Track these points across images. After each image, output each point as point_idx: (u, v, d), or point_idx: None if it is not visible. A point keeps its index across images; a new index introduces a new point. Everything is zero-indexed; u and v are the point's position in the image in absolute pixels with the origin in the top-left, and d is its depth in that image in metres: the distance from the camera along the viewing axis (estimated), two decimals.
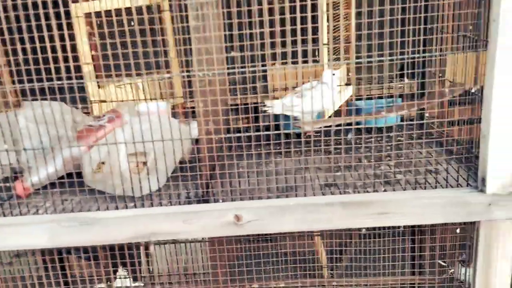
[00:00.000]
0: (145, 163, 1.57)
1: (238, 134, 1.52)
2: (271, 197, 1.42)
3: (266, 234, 2.16)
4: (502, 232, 1.35)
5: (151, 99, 2.23)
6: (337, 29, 2.85)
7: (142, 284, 2.52)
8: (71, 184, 1.48)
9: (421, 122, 1.74)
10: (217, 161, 1.72)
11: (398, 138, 1.87)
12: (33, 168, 1.56)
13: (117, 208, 1.44)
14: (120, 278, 2.51)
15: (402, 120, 2.14)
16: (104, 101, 2.32)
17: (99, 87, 2.52)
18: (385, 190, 1.42)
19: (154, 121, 1.48)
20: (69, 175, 1.56)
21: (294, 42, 1.43)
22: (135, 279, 2.53)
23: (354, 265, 2.17)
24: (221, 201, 1.43)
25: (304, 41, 1.51)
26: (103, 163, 1.52)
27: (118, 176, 1.46)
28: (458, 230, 1.68)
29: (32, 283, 1.85)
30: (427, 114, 2.02)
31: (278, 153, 1.77)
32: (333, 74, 1.82)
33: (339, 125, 1.50)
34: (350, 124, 1.47)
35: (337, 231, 2.45)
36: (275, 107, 1.77)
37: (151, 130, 1.45)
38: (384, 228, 1.98)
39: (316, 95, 1.69)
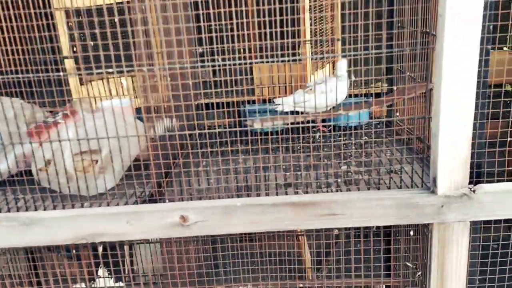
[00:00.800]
0: (96, 162, 1.53)
1: (199, 131, 1.48)
2: (222, 198, 1.38)
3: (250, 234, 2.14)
4: (455, 234, 1.30)
5: (115, 95, 2.19)
6: (321, 21, 2.79)
7: (123, 285, 2.49)
8: (23, 182, 1.44)
9: (377, 120, 1.70)
10: (174, 159, 1.68)
11: (364, 138, 1.82)
12: None
13: (63, 207, 1.40)
14: (101, 278, 2.47)
15: (370, 119, 2.10)
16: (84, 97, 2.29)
17: (81, 84, 2.48)
18: (338, 191, 1.38)
19: (108, 118, 1.44)
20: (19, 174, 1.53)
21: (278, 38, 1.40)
22: (118, 280, 2.51)
23: (333, 267, 2.14)
24: (167, 201, 1.38)
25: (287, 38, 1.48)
26: (50, 161, 1.47)
27: (63, 174, 1.42)
28: (411, 233, 1.63)
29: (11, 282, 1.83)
30: (397, 114, 1.97)
31: (243, 151, 1.74)
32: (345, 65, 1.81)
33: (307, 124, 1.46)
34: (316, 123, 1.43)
35: (318, 232, 2.42)
36: (285, 104, 1.75)
37: (95, 128, 1.40)
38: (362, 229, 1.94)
39: (330, 89, 1.67)
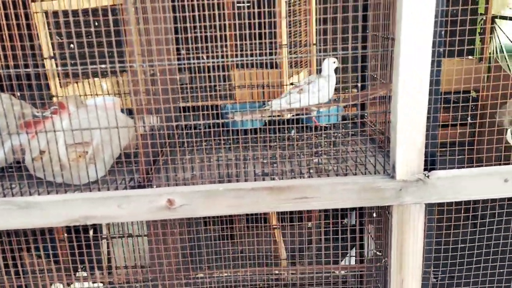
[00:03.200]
0: (86, 153, 1.64)
1: (186, 123, 1.61)
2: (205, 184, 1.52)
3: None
4: (412, 215, 1.47)
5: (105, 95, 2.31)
6: (296, 34, 2.97)
7: (102, 285, 2.56)
8: (18, 171, 1.54)
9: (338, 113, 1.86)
10: (161, 151, 1.81)
11: (334, 133, 2.00)
12: None
13: (57, 193, 1.51)
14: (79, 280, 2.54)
15: (343, 118, 2.27)
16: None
17: (61, 86, 2.58)
18: (310, 177, 1.54)
19: (98, 112, 1.56)
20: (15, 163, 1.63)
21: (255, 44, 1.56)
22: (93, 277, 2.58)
23: (305, 254, 2.29)
24: (155, 186, 1.51)
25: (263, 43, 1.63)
26: (43, 151, 1.58)
27: (57, 164, 1.53)
28: (374, 214, 1.80)
29: None
30: (365, 112, 2.15)
31: (225, 146, 1.89)
32: (334, 63, 1.92)
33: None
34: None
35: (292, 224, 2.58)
36: (273, 105, 1.86)
37: (90, 121, 1.52)
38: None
39: (313, 90, 1.80)
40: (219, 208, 1.47)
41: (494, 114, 2.42)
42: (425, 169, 1.44)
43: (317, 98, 1.82)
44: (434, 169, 1.46)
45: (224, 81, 2.73)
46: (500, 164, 1.50)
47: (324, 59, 1.93)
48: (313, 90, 1.86)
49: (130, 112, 1.72)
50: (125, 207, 1.46)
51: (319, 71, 2.03)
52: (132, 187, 1.53)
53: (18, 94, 1.59)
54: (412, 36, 1.29)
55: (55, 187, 1.53)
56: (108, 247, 2.87)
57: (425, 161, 1.43)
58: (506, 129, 3.04)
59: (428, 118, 1.39)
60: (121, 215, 1.46)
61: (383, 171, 1.52)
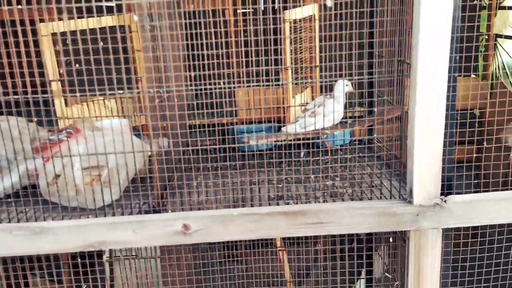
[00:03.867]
0: (99, 176, 1.64)
1: (196, 148, 1.62)
2: (219, 208, 1.51)
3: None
4: (430, 240, 1.46)
5: (113, 116, 2.31)
6: (300, 51, 3.00)
7: None
8: (30, 195, 1.54)
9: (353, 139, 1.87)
10: (174, 174, 1.81)
11: (347, 156, 1.99)
12: None
13: (71, 218, 1.51)
14: None
15: (353, 139, 2.27)
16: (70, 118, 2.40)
17: (66, 105, 2.59)
18: (325, 202, 1.53)
19: (112, 136, 1.57)
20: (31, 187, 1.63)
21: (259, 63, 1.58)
22: None
23: (312, 279, 2.26)
24: (170, 211, 1.51)
25: (268, 63, 1.65)
26: (58, 175, 1.58)
27: (72, 188, 1.52)
28: (391, 239, 1.78)
29: None
30: (375, 134, 2.15)
31: (237, 168, 1.88)
32: (346, 85, 1.92)
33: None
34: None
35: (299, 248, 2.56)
36: (289, 129, 1.86)
37: (105, 144, 1.53)
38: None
39: (329, 111, 1.79)
40: (234, 233, 1.46)
41: (499, 132, 2.42)
42: (441, 194, 1.43)
43: (331, 120, 1.82)
44: (450, 193, 1.45)
45: (230, 101, 2.75)
46: (507, 183, 1.50)
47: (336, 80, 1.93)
48: (326, 112, 1.86)
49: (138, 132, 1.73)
50: (140, 232, 1.45)
51: (325, 90, 2.04)
52: (147, 212, 1.53)
53: (35, 119, 1.59)
54: (429, 63, 1.30)
55: (69, 212, 1.53)
56: (112, 272, 2.85)
57: (442, 185, 1.43)
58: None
59: (444, 142, 1.39)
60: (136, 240, 1.45)
61: (399, 196, 1.51)
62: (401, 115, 1.63)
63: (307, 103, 2.25)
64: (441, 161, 1.38)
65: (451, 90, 1.37)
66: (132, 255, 2.61)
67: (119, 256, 2.59)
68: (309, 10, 2.85)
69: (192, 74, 1.81)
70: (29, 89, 1.45)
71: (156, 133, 1.51)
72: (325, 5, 1.48)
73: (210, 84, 1.59)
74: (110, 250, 2.68)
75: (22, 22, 1.43)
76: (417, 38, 1.28)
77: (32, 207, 1.53)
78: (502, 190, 1.53)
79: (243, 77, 1.69)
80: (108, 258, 2.76)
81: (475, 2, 3.69)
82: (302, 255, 2.38)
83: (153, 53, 1.47)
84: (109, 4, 1.34)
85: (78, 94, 1.48)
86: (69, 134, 1.80)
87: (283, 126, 1.88)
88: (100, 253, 2.96)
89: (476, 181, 1.63)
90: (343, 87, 1.92)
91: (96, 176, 1.64)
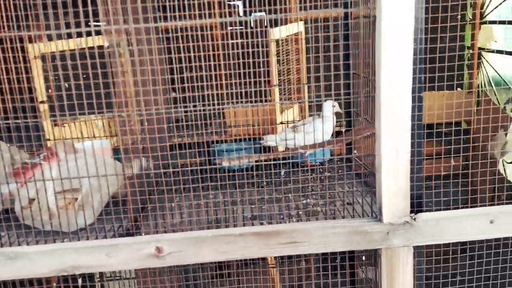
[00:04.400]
0: (75, 199, 1.65)
1: (171, 170, 1.63)
2: (194, 230, 1.52)
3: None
4: (401, 258, 1.47)
5: (95, 137, 2.32)
6: (289, 72, 3.05)
7: None
8: (7, 219, 1.54)
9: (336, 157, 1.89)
10: (149, 196, 1.81)
11: (326, 173, 2.01)
12: None
13: (46, 242, 1.51)
14: None
15: (331, 155, 2.29)
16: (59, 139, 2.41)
17: (55, 125, 2.60)
18: (299, 221, 1.54)
19: (88, 159, 1.58)
20: (6, 211, 1.63)
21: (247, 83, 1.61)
22: None
23: None
24: (143, 234, 1.51)
25: (256, 82, 1.69)
26: (33, 200, 1.58)
27: (46, 212, 1.53)
28: (364, 258, 1.80)
29: None
30: (355, 151, 2.17)
31: (213, 187, 1.90)
32: (333, 106, 1.96)
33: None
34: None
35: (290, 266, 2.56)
36: (269, 140, 1.91)
37: (80, 168, 1.54)
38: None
39: (308, 130, 1.84)
40: (208, 255, 1.46)
41: (485, 146, 2.45)
42: (411, 211, 1.45)
43: (311, 139, 1.85)
44: (420, 211, 1.47)
45: (217, 118, 2.78)
46: (493, 196, 1.52)
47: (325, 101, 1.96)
48: (308, 130, 1.88)
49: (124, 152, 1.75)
50: (114, 256, 1.45)
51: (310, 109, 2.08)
52: (121, 235, 1.53)
53: (9, 145, 1.60)
54: (390, 81, 1.33)
55: (43, 236, 1.53)
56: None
57: (411, 203, 1.45)
58: (498, 161, 3.07)
59: (412, 161, 1.41)
60: (110, 264, 1.45)
61: (371, 213, 1.52)
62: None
63: (298, 120, 2.28)
64: (409, 178, 1.40)
65: (417, 110, 1.40)
66: (116, 277, 2.60)
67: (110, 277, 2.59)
68: (295, 27, 2.90)
69: (173, 96, 1.84)
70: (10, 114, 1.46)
71: (128, 156, 1.52)
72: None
73: (195, 106, 1.62)
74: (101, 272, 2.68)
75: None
76: (379, 56, 1.31)
77: (6, 232, 1.53)
78: (490, 204, 1.55)
79: (230, 98, 1.72)
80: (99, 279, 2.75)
81: (458, 16, 3.77)
82: (294, 273, 2.39)
83: (132, 77, 1.49)
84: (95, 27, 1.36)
85: (62, 113, 1.48)
86: (45, 158, 1.80)
87: (264, 136, 1.91)
88: (91, 275, 2.94)
89: (465, 197, 1.66)
90: (331, 107, 1.95)
91: (71, 199, 1.64)
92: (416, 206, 1.46)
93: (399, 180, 1.39)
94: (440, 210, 1.49)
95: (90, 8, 1.29)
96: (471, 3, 3.85)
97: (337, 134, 2.62)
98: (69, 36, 1.45)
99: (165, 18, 1.51)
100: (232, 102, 1.77)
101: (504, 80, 3.55)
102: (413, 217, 1.43)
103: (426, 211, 1.46)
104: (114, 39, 1.36)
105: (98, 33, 1.45)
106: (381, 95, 1.32)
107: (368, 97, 1.76)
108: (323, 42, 1.51)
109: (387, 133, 1.35)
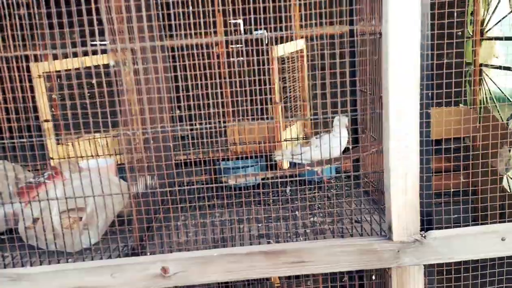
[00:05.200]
0: (80, 218, 1.63)
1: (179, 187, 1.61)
2: (200, 249, 1.50)
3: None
4: (412, 276, 1.44)
5: (99, 155, 2.31)
6: (292, 89, 3.05)
7: None
8: (11, 240, 1.52)
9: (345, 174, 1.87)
10: (155, 214, 1.79)
11: (332, 190, 1.99)
12: None
13: (49, 263, 1.48)
14: None
15: (338, 173, 2.28)
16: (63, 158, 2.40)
17: (58, 143, 2.59)
18: (306, 240, 1.52)
19: (93, 177, 1.56)
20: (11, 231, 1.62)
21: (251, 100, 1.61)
22: None
23: None
24: (149, 254, 1.49)
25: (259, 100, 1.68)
26: (37, 219, 1.56)
27: (50, 232, 1.51)
28: (373, 277, 1.76)
29: None
30: (361, 169, 2.15)
31: (220, 205, 1.88)
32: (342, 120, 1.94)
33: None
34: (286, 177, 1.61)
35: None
36: (284, 155, 1.90)
37: (85, 187, 1.52)
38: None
39: (324, 144, 1.82)
40: (215, 275, 1.44)
41: (490, 161, 2.43)
42: (421, 229, 1.43)
43: (318, 154, 1.83)
44: (430, 228, 1.45)
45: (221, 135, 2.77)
46: (499, 211, 1.49)
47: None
48: (318, 144, 1.87)
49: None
50: (118, 276, 1.43)
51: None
52: (126, 254, 1.51)
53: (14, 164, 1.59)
54: (398, 98, 1.32)
55: (47, 256, 1.50)
56: None
57: (421, 220, 1.42)
58: (502, 176, 3.04)
59: (420, 177, 1.40)
60: (114, 284, 1.43)
61: (380, 231, 1.50)
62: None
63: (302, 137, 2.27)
64: (419, 195, 1.39)
65: (425, 126, 1.39)
66: None
67: None
68: (298, 44, 2.91)
69: (178, 113, 1.83)
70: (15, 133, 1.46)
71: (134, 175, 1.50)
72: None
73: (201, 124, 1.61)
74: None
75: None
76: (386, 74, 1.31)
77: (10, 253, 1.51)
78: (498, 219, 1.53)
79: (235, 115, 1.72)
80: None
81: (459, 32, 3.78)
82: None
83: (137, 95, 1.48)
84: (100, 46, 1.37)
85: (67, 131, 1.48)
86: (49, 176, 1.79)
87: (275, 152, 1.90)
88: None
89: (472, 214, 1.64)
90: (339, 122, 1.93)
91: (75, 218, 1.62)
92: (426, 224, 1.44)
93: (408, 198, 1.37)
94: (449, 227, 1.47)
95: (96, 28, 1.30)
96: (471, 20, 3.87)
97: (344, 150, 2.60)
98: (75, 54, 1.45)
99: (171, 36, 1.51)
100: (238, 120, 1.77)
101: (506, 96, 3.55)
102: (423, 235, 1.41)
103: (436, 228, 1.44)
104: (120, 58, 1.36)
105: (103, 52, 1.45)
106: (389, 112, 1.31)
107: (374, 114, 1.75)
108: (329, 59, 1.50)
109: (396, 152, 1.33)
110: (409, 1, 1.25)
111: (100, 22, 1.36)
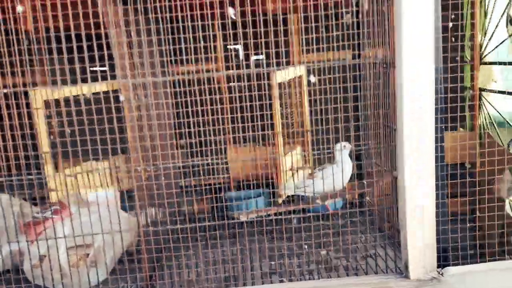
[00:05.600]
0: (87, 255, 1.59)
1: (184, 226, 1.58)
2: None
3: None
4: None
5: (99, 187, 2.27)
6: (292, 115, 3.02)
7: None
8: (17, 281, 1.47)
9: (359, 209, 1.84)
10: (164, 251, 1.75)
11: (339, 222, 1.96)
12: None
13: None
14: None
15: (345, 205, 2.25)
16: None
17: (56, 171, 2.54)
18: (319, 277, 1.48)
19: (100, 211, 1.53)
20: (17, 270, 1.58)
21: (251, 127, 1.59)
22: None
23: None
24: None
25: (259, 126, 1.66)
26: (44, 256, 1.52)
27: (57, 271, 1.47)
28: None
29: None
30: (367, 198, 2.13)
31: (229, 236, 1.83)
32: (344, 146, 1.88)
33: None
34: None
35: None
36: (288, 188, 1.83)
37: (92, 222, 1.49)
38: None
39: (327, 175, 1.76)
40: None
41: (491, 184, 2.41)
42: (438, 266, 1.40)
43: (331, 183, 1.79)
44: (447, 265, 1.42)
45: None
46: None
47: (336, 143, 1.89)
48: (324, 176, 1.82)
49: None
50: None
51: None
52: None
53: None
54: (413, 127, 1.30)
55: None
56: None
57: (438, 257, 1.40)
58: (504, 201, 3.02)
59: (436, 213, 1.37)
60: None
61: (395, 268, 1.47)
62: (391, 181, 1.62)
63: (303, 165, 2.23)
64: (435, 232, 1.36)
65: (439, 150, 1.37)
66: None
67: None
68: (297, 71, 2.90)
69: (181, 151, 1.80)
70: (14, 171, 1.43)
71: (143, 211, 1.47)
72: (309, 81, 1.51)
73: (201, 160, 1.59)
74: None
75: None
76: (400, 107, 1.30)
77: None
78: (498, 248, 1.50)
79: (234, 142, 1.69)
80: None
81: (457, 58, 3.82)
82: None
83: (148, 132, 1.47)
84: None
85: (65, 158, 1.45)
86: (55, 211, 1.76)
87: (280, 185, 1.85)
88: None
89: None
90: (340, 149, 1.87)
91: (83, 255, 1.58)
92: (442, 260, 1.41)
93: (425, 235, 1.34)
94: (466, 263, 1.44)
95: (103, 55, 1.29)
96: (469, 45, 3.91)
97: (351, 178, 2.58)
98: (74, 82, 1.43)
99: (175, 62, 1.49)
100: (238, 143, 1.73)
101: (506, 120, 3.56)
102: (440, 272, 1.38)
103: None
104: (131, 94, 1.35)
105: (104, 78, 1.43)
106: (403, 147, 1.29)
107: (379, 144, 1.74)
108: (334, 84, 1.49)
109: (412, 188, 1.31)
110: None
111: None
